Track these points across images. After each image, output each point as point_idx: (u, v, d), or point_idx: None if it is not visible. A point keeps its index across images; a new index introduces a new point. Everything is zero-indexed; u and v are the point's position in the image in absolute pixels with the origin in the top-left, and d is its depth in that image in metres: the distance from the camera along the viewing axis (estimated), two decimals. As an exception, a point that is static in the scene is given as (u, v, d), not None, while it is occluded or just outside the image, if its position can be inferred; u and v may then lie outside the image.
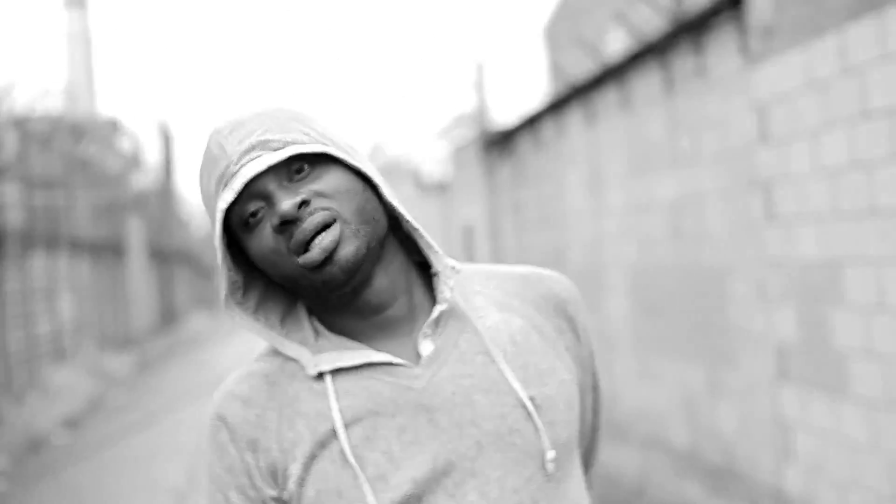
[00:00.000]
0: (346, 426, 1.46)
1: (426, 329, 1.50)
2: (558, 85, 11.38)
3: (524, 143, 12.40)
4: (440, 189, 18.46)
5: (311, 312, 1.55)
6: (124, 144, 28.63)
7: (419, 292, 1.55)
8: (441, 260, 1.52)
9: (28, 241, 14.94)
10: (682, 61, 7.50)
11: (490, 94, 14.15)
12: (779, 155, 6.14)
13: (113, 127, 27.41)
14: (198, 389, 16.29)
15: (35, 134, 15.68)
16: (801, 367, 6.05)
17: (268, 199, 1.43)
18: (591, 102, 9.61)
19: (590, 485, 1.78)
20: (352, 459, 1.44)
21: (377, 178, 1.47)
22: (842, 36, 5.34)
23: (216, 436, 1.51)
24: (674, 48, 7.61)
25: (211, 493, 1.52)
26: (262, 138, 1.43)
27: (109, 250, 22.59)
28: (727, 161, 6.86)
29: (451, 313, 1.54)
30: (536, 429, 1.50)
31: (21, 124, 14.82)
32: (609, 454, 8.79)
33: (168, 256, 33.82)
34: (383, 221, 1.49)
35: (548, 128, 11.24)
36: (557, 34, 11.94)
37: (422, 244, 1.52)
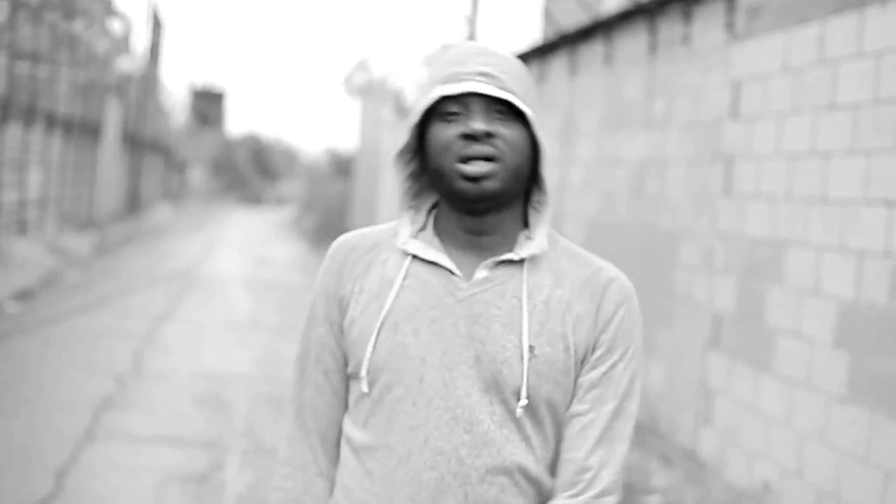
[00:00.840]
0: (398, 291, 1.88)
1: (489, 262, 1.87)
2: (548, 31, 11.47)
3: (508, 84, 12.51)
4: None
5: (434, 207, 1.96)
6: (114, 26, 28.38)
7: (512, 236, 1.91)
8: (541, 231, 1.90)
9: (6, 110, 14.92)
10: (670, 27, 7.64)
11: (481, 28, 14.19)
12: (745, 132, 6.32)
13: (106, 7, 27.15)
14: (152, 278, 16.42)
15: (26, 4, 15.59)
16: (733, 338, 6.29)
17: (469, 112, 1.81)
18: (577, 53, 9.73)
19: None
20: (385, 308, 1.87)
21: (546, 152, 1.85)
22: (822, 27, 5.50)
23: (326, 262, 1.99)
24: (663, 13, 7.74)
25: (310, 304, 2.00)
26: (497, 74, 1.82)
27: (84, 130, 22.53)
28: (696, 131, 7.04)
29: (514, 262, 1.90)
30: (522, 371, 1.82)
31: (12, -8, 14.73)
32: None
33: (142, 144, 33.68)
34: (525, 180, 1.87)
35: (531, 71, 11.35)
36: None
37: (543, 216, 1.90)
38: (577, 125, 9.59)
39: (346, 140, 45.89)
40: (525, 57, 11.54)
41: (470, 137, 1.80)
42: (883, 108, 4.89)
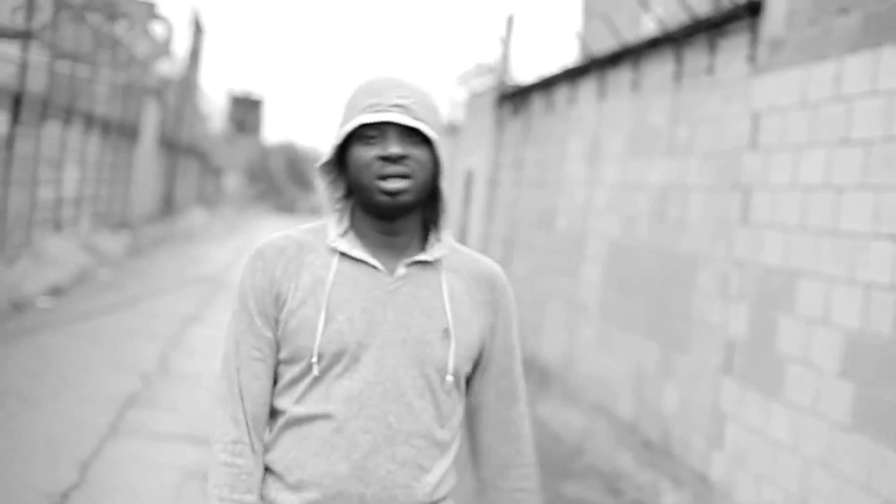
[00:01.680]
0: (331, 287, 2.22)
1: (407, 261, 2.25)
2: (581, 55, 11.64)
3: (537, 104, 12.68)
4: (450, 130, 18.77)
5: (353, 216, 2.29)
6: (156, 30, 28.78)
7: (419, 236, 2.30)
8: (445, 231, 2.29)
9: (46, 108, 15.22)
10: (695, 56, 7.79)
11: (514, 50, 14.37)
12: (763, 163, 6.46)
13: (149, 10, 27.55)
14: (182, 281, 16.67)
15: (69, 4, 15.90)
16: (745, 364, 6.42)
17: (385, 137, 2.18)
18: (606, 78, 9.89)
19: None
20: (324, 302, 2.20)
21: (444, 167, 2.23)
22: (840, 65, 5.64)
23: (254, 263, 2.28)
24: (690, 43, 7.89)
25: (239, 300, 2.28)
26: (410, 105, 2.19)
27: (122, 131, 22.86)
28: (716, 159, 7.18)
29: (426, 261, 2.30)
30: (447, 351, 2.23)
31: (58, -6, 15.03)
32: (558, 413, 9.20)
33: (178, 148, 34.02)
34: (429, 191, 2.24)
35: (561, 93, 11.52)
36: (594, 6, 12.17)
37: (443, 219, 2.28)
38: (604, 148, 9.74)
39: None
40: (555, 79, 11.71)
41: (387, 159, 2.17)
42: (894, 145, 5.02)
